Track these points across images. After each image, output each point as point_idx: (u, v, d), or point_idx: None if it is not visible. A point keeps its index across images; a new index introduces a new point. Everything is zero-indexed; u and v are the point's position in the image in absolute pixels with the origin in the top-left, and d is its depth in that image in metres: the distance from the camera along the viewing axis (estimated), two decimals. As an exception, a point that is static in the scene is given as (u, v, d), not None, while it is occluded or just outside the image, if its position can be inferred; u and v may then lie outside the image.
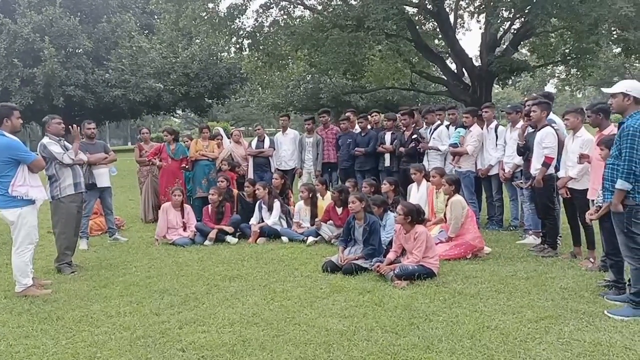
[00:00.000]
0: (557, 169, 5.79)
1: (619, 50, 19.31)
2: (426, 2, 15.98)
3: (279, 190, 7.84)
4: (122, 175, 12.05)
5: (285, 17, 17.53)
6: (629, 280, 4.19)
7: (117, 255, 6.56)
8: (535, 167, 5.91)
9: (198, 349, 3.60)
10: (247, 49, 17.93)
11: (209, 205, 7.47)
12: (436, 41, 19.35)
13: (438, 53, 18.47)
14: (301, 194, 7.45)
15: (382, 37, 14.96)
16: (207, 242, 7.04)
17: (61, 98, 28.91)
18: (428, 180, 7.00)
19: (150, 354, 3.55)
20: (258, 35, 17.06)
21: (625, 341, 3.55)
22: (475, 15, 18.39)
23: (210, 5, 16.51)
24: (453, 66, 18.69)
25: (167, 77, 32.27)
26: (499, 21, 14.83)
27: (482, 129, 7.48)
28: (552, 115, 6.29)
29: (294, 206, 7.71)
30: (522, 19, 15.64)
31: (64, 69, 28.97)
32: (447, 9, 17.54)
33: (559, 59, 18.17)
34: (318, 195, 7.51)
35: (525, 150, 6.33)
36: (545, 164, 5.75)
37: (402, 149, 7.94)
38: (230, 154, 8.81)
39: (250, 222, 7.39)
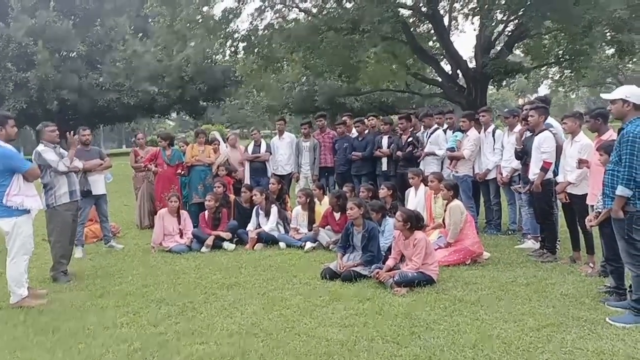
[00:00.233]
0: (555, 173, 5.78)
1: (612, 51, 19.36)
2: (421, 4, 15.98)
3: (276, 195, 7.79)
4: (117, 180, 11.96)
5: (280, 20, 17.49)
6: (630, 286, 4.17)
7: (113, 263, 6.49)
8: (534, 171, 5.89)
9: (197, 361, 3.55)
10: (242, 52, 17.87)
11: (206, 212, 7.42)
12: (430, 43, 19.35)
13: (433, 55, 18.48)
14: (298, 199, 7.40)
15: (378, 39, 14.94)
16: (204, 249, 6.98)
17: (55, 102, 28.71)
18: (426, 185, 6.98)
19: (148, 368, 3.50)
20: (253, 38, 17.01)
21: (628, 349, 3.52)
22: (470, 17, 18.42)
23: (205, 8, 16.45)
24: (448, 68, 18.70)
25: (162, 80, 32.10)
26: (493, 23, 14.84)
27: (479, 133, 7.47)
28: (550, 119, 6.29)
29: (292, 211, 7.67)
30: (517, 21, 15.66)
31: (58, 72, 28.76)
32: (442, 11, 17.53)
33: (553, 60, 18.23)
34: (315, 200, 7.47)
35: (523, 154, 6.31)
36: (544, 169, 5.74)
37: (399, 153, 7.92)
38: (227, 159, 8.75)
39: (247, 228, 7.34)
